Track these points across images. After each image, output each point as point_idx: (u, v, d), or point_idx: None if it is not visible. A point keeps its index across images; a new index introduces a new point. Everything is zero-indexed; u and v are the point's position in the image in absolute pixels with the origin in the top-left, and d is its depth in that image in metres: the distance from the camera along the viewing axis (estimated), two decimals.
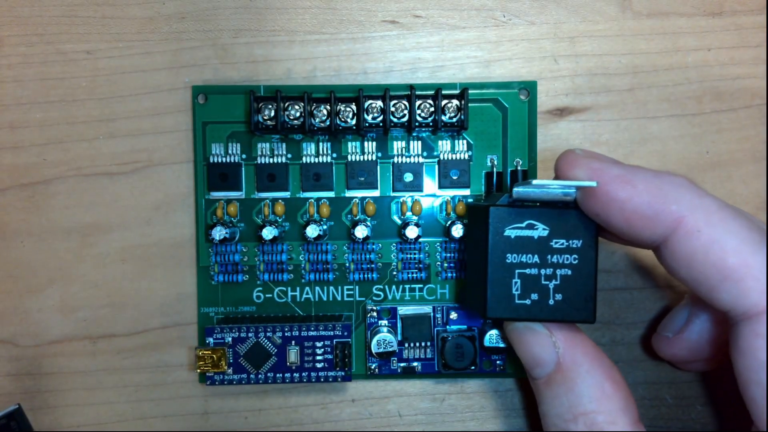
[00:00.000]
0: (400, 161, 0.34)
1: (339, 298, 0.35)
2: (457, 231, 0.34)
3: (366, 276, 0.35)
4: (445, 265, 0.35)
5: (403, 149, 0.35)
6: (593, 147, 0.35)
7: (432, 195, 0.35)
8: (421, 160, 0.35)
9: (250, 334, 0.33)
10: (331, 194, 0.35)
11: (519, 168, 0.34)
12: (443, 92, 0.33)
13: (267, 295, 0.35)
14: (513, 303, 0.27)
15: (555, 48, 0.35)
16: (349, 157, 0.34)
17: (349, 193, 0.35)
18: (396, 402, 0.35)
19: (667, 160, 0.35)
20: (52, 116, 0.35)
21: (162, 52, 0.35)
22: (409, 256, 0.35)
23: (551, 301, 0.27)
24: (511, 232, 0.27)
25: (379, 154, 0.35)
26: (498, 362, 0.34)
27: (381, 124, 0.33)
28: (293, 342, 0.33)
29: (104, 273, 0.35)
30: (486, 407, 0.35)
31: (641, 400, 0.35)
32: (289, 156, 0.35)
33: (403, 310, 0.35)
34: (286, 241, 0.35)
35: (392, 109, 0.33)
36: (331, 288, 0.35)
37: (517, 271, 0.27)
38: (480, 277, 0.28)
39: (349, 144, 0.35)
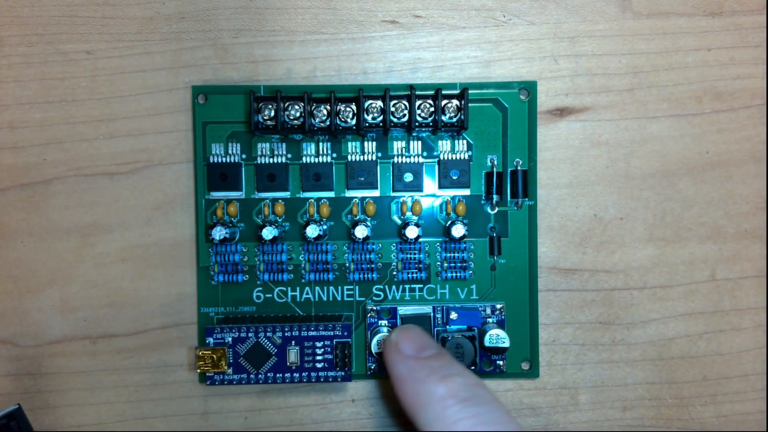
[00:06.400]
0: (400, 161, 0.34)
1: (339, 298, 0.35)
2: (457, 231, 0.34)
3: (366, 276, 0.35)
4: (445, 265, 0.35)
5: (403, 149, 0.35)
6: (593, 147, 0.35)
7: (432, 195, 0.35)
8: (421, 160, 0.35)
9: (250, 334, 0.33)
10: (331, 194, 0.35)
11: (519, 168, 0.34)
12: (443, 92, 0.33)
13: (267, 295, 0.35)
14: None
15: (555, 48, 0.35)
16: (349, 157, 0.34)
17: (349, 193, 0.35)
18: (396, 402, 0.35)
19: (667, 160, 0.35)
20: (52, 116, 0.35)
21: (162, 52, 0.35)
22: (409, 256, 0.35)
23: None
24: None
25: (379, 154, 0.35)
26: (498, 362, 0.34)
27: (381, 124, 0.33)
28: (293, 342, 0.33)
29: (104, 273, 0.35)
30: None
31: (641, 400, 0.35)
32: (289, 156, 0.35)
33: (403, 310, 0.35)
34: (286, 241, 0.35)
35: (392, 109, 0.33)
36: (331, 288, 0.35)
37: None
38: None
39: (349, 144, 0.35)
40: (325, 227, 0.34)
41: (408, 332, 0.31)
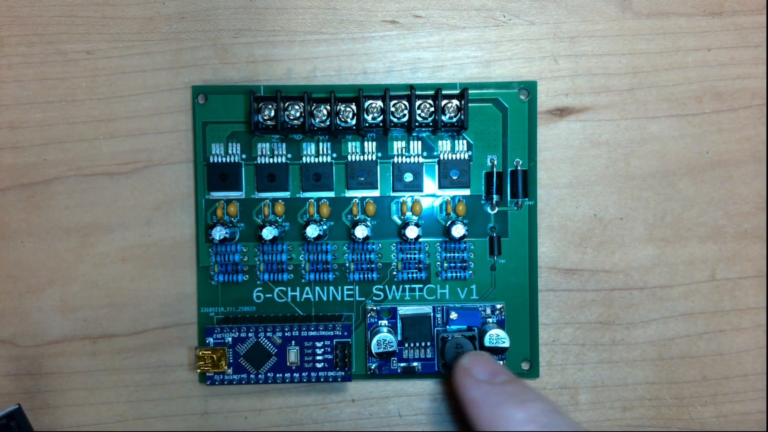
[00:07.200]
0: (400, 161, 0.34)
1: (339, 298, 0.35)
2: (457, 231, 0.34)
3: (366, 276, 0.35)
4: (445, 265, 0.35)
5: (403, 149, 0.35)
6: (593, 147, 0.35)
7: (432, 195, 0.35)
8: (421, 160, 0.35)
9: (250, 334, 0.33)
10: (331, 194, 0.35)
11: (519, 168, 0.34)
12: (443, 92, 0.33)
13: (267, 295, 0.35)
14: None
15: (555, 48, 0.35)
16: (349, 157, 0.34)
17: (349, 193, 0.35)
18: (396, 402, 0.35)
19: (667, 160, 0.35)
20: (52, 116, 0.35)
21: (162, 52, 0.35)
22: (409, 256, 0.35)
23: None
24: None
25: (379, 154, 0.35)
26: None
27: (381, 124, 0.33)
28: (293, 342, 0.33)
29: (104, 273, 0.35)
30: None
31: (641, 400, 0.35)
32: (289, 156, 0.35)
33: (403, 310, 0.35)
34: (286, 241, 0.35)
35: (392, 109, 0.33)
36: (331, 288, 0.35)
37: None
38: None
39: (349, 144, 0.35)
40: (325, 227, 0.34)
41: (479, 358, 0.32)
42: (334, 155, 0.35)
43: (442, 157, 0.34)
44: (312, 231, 0.33)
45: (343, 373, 0.33)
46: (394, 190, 0.35)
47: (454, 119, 0.33)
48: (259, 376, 0.33)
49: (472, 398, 0.29)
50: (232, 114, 0.35)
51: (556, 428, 0.27)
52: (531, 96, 0.35)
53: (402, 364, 0.34)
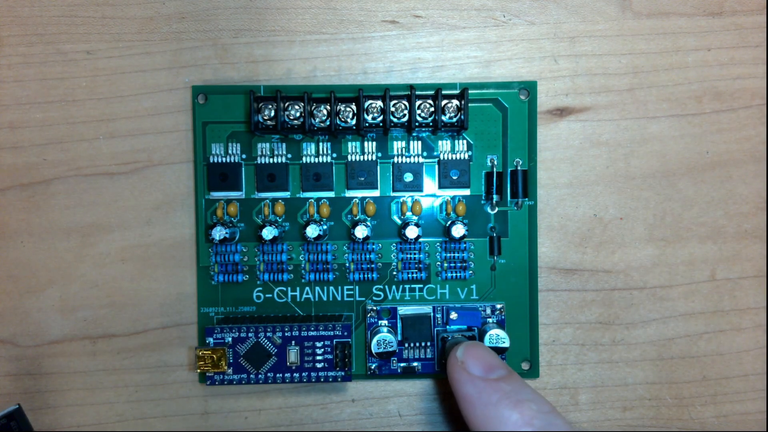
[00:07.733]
0: (400, 161, 0.34)
1: (339, 298, 0.35)
2: (457, 231, 0.34)
3: (366, 276, 0.35)
4: (445, 265, 0.35)
5: (403, 149, 0.35)
6: (593, 147, 0.35)
7: (432, 195, 0.35)
8: (421, 160, 0.35)
9: (250, 334, 0.33)
10: (331, 194, 0.35)
11: (519, 168, 0.34)
12: (443, 92, 0.33)
13: (267, 295, 0.35)
14: None
15: (555, 48, 0.35)
16: (349, 157, 0.34)
17: (349, 193, 0.35)
18: (396, 402, 0.35)
19: (667, 160, 0.35)
20: (52, 116, 0.35)
21: (162, 52, 0.35)
22: (409, 256, 0.35)
23: None
24: None
25: (379, 154, 0.35)
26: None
27: (381, 124, 0.33)
28: (293, 342, 0.33)
29: (104, 273, 0.35)
30: None
31: (641, 400, 0.35)
32: (289, 156, 0.35)
33: (403, 310, 0.35)
34: (286, 241, 0.35)
35: (392, 109, 0.33)
36: (331, 288, 0.35)
37: None
38: None
39: (349, 144, 0.35)
40: (325, 227, 0.34)
41: (474, 350, 0.30)
42: (334, 155, 0.35)
43: (442, 157, 0.34)
44: (312, 231, 0.33)
45: (343, 373, 0.33)
46: (394, 190, 0.35)
47: (454, 119, 0.33)
48: (259, 376, 0.33)
49: (465, 394, 0.29)
50: (232, 114, 0.35)
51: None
52: (531, 96, 0.35)
53: (402, 364, 0.34)
